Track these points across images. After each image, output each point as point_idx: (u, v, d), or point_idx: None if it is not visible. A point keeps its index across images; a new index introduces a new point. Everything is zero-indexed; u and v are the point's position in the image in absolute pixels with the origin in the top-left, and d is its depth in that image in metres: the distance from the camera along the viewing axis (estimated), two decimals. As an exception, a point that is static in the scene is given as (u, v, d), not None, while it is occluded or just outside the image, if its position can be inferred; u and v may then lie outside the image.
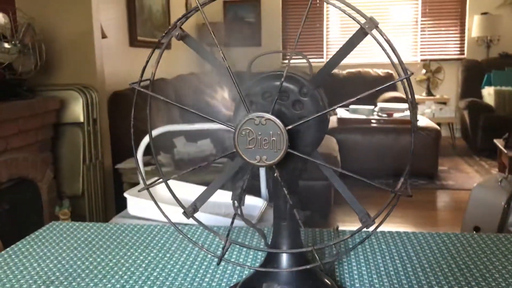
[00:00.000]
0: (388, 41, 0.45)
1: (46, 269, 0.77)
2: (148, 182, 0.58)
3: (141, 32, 4.08)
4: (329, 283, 0.64)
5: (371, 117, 4.30)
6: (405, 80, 0.47)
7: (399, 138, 3.96)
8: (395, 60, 0.46)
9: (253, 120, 0.49)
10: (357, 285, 0.69)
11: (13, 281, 0.73)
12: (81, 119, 2.51)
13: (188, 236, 0.88)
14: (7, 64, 2.19)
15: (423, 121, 4.22)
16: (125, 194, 1.31)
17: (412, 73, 0.45)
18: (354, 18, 0.46)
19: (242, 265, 0.69)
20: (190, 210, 0.57)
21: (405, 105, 4.53)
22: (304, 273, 0.61)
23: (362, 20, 0.46)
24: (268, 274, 0.61)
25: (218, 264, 0.62)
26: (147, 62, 0.53)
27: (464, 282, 0.69)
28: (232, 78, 0.50)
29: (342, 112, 4.57)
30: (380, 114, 4.38)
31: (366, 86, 5.67)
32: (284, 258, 0.61)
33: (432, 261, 0.76)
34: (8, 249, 0.85)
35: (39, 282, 0.73)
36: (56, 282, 0.72)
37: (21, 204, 2.17)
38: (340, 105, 0.52)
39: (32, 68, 2.31)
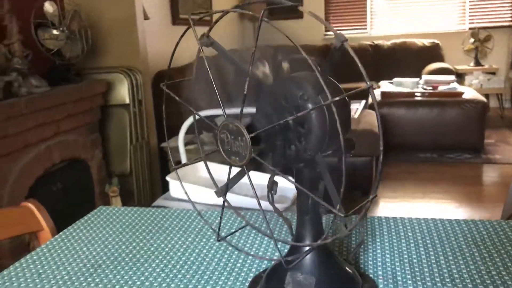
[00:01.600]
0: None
1: (94, 253, 0.85)
2: (191, 160, 0.63)
3: (183, 10, 4.13)
4: (351, 271, 0.68)
5: (415, 90, 4.21)
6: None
7: (444, 111, 3.87)
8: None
9: (227, 125, 0.54)
10: (380, 272, 0.73)
11: (66, 264, 0.81)
12: (127, 101, 2.61)
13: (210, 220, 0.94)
14: (56, 50, 2.30)
15: (469, 93, 4.10)
16: (167, 178, 1.38)
17: (371, 85, 0.47)
18: (333, 30, 0.49)
19: (264, 258, 0.74)
20: (220, 191, 0.61)
21: (451, 77, 4.41)
22: (326, 263, 0.66)
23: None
24: (292, 263, 0.65)
25: (219, 240, 0.65)
26: (175, 47, 0.58)
27: (484, 271, 0.71)
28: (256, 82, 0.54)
29: (385, 86, 4.49)
30: (424, 87, 4.29)
31: (411, 57, 5.52)
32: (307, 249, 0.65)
33: (456, 249, 0.79)
34: (61, 233, 0.94)
35: (88, 265, 0.80)
36: (103, 266, 0.80)
37: (73, 183, 2.30)
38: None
39: (79, 53, 2.41)
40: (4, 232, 0.88)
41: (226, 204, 0.62)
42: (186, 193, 0.64)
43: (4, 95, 1.91)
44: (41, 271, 0.79)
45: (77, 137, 2.32)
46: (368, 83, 0.47)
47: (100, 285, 0.74)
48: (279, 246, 0.82)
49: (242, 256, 0.80)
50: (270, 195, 0.67)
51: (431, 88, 4.22)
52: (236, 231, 0.78)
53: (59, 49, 2.32)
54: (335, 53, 0.49)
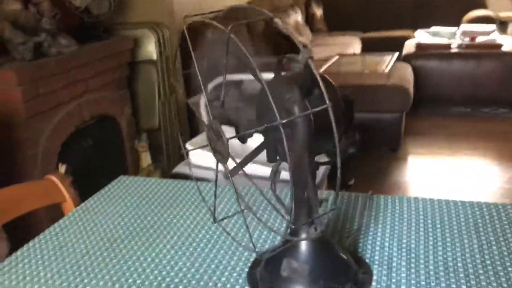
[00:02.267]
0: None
1: (111, 226, 0.91)
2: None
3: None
4: (346, 258, 0.71)
5: (452, 41, 4.06)
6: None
7: (481, 64, 3.73)
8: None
9: (211, 124, 0.56)
10: (376, 257, 0.76)
11: (85, 237, 0.87)
12: (154, 57, 2.64)
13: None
14: (84, 7, 2.32)
15: (509, 44, 3.91)
16: (187, 145, 1.42)
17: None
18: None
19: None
20: (228, 172, 0.64)
21: (491, 27, 4.21)
22: (321, 250, 0.69)
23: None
24: (289, 250, 0.69)
25: (215, 222, 0.68)
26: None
27: (479, 260, 0.73)
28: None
29: (421, 36, 4.34)
30: (462, 37, 4.12)
31: (452, 4, 5.27)
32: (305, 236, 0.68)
33: (455, 233, 0.80)
34: (82, 204, 1.00)
35: (104, 239, 0.86)
36: (118, 240, 0.86)
37: (104, 140, 2.38)
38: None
39: (106, 9, 2.42)
40: (29, 204, 0.95)
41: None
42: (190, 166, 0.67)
43: (34, 56, 1.96)
44: (62, 243, 0.86)
45: (106, 94, 2.38)
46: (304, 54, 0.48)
47: (114, 261, 0.79)
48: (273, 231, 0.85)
49: (251, 231, 0.84)
50: (273, 185, 0.70)
51: (468, 39, 4.05)
52: (233, 215, 0.81)
53: (87, 6, 2.34)
54: (303, 72, 0.50)
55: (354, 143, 0.67)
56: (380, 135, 3.05)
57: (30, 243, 0.86)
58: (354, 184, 2.75)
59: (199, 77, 0.59)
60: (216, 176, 0.64)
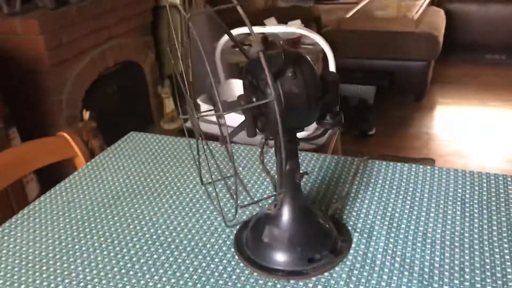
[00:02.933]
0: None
1: (117, 184, 0.96)
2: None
3: None
4: (327, 226, 0.75)
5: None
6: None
7: (520, 9, 3.54)
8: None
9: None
10: (359, 225, 0.79)
11: (91, 193, 0.94)
12: (177, 0, 2.63)
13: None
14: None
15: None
16: (198, 101, 1.45)
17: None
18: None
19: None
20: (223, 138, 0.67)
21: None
22: (301, 217, 0.73)
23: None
24: (271, 217, 0.73)
25: (202, 184, 0.74)
26: None
27: (458, 232, 0.76)
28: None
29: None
30: (503, -21, 3.89)
31: None
32: (286, 206, 0.72)
33: (441, 204, 0.82)
34: (92, 160, 1.06)
35: (109, 196, 0.92)
36: (122, 198, 0.92)
37: (128, 85, 2.44)
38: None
39: (128, -47, 2.40)
40: (43, 159, 1.01)
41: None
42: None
43: (57, 4, 1.99)
44: (70, 199, 0.92)
45: (129, 40, 2.41)
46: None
47: (115, 218, 0.86)
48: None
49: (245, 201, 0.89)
50: (261, 156, 0.73)
51: (510, -19, 3.82)
52: (219, 179, 0.85)
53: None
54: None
55: (338, 123, 0.68)
56: (405, 83, 3.00)
57: (42, 198, 0.93)
58: (374, 134, 2.76)
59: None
60: (200, 137, 0.68)
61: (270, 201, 0.78)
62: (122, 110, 2.37)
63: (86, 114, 2.13)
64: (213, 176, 0.69)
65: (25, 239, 0.82)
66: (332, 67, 1.63)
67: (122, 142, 1.14)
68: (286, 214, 0.72)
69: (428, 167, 0.94)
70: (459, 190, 0.86)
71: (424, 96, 3.09)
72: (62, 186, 0.97)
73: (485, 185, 0.87)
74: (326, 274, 0.70)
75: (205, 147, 0.87)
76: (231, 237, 0.79)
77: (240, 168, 0.99)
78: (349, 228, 0.79)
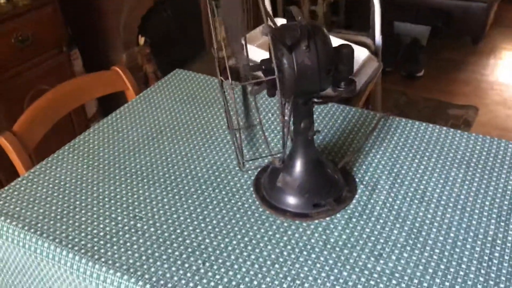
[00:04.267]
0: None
1: (160, 119, 1.09)
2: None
3: None
4: (335, 176, 0.85)
5: None
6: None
7: None
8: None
9: None
10: (366, 178, 0.89)
11: (138, 127, 1.07)
12: None
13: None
14: None
15: None
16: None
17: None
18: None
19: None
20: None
21: None
22: (312, 167, 0.82)
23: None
24: (285, 167, 0.83)
25: (229, 128, 0.84)
26: None
27: (455, 194, 0.84)
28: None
29: None
30: None
31: None
32: (299, 158, 0.82)
33: (447, 165, 0.90)
34: (140, 95, 1.18)
35: (150, 132, 1.05)
36: (162, 134, 1.04)
37: (182, 11, 2.52)
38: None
39: None
40: (98, 91, 1.14)
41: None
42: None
43: None
44: (120, 129, 1.06)
45: (185, -33, 2.45)
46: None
47: (156, 151, 0.99)
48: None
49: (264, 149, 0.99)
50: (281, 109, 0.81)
51: None
52: (244, 127, 0.95)
53: None
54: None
55: (351, 91, 0.76)
56: (463, 24, 2.90)
57: (91, 129, 1.07)
58: (422, 76, 2.74)
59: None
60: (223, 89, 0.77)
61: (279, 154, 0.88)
62: (176, 36, 2.47)
63: (142, 40, 2.24)
64: (238, 123, 0.79)
65: (81, 161, 0.97)
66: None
67: (168, 78, 1.25)
68: (298, 166, 0.82)
69: (444, 128, 1.00)
70: (467, 154, 0.93)
71: (482, 39, 2.99)
72: (113, 117, 1.10)
73: (493, 151, 0.93)
74: (327, 218, 0.81)
75: (236, 95, 0.97)
76: (252, 177, 0.90)
77: (265, 119, 1.08)
78: (357, 180, 0.88)
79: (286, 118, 0.68)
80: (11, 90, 1.58)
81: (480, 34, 2.94)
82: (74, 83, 1.10)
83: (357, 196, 0.85)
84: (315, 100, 0.78)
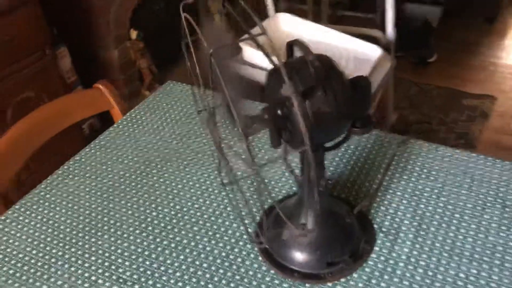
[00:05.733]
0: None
1: (145, 149, 0.96)
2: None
3: None
4: (349, 223, 0.73)
5: None
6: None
7: None
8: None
9: None
10: (387, 223, 0.76)
11: (124, 157, 0.95)
12: None
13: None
14: None
15: None
16: (241, 45, 1.38)
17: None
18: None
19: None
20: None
21: None
22: (325, 220, 0.70)
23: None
24: (292, 215, 0.71)
25: (222, 185, 0.72)
26: None
27: (502, 241, 0.71)
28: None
29: None
30: None
31: None
32: (308, 209, 0.70)
33: (478, 205, 0.77)
34: (128, 114, 1.05)
35: (137, 165, 0.93)
36: (148, 169, 0.92)
37: (175, 3, 2.36)
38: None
39: None
40: (78, 114, 1.02)
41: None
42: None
43: None
44: (109, 155, 0.94)
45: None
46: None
47: (136, 197, 0.87)
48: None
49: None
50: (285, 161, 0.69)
51: None
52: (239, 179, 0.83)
53: None
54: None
55: (367, 130, 0.63)
56: (475, 2, 2.73)
57: (82, 152, 0.95)
58: (435, 61, 2.59)
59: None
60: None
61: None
62: (169, 29, 2.32)
63: (134, 34, 2.10)
64: (232, 176, 0.67)
65: (53, 209, 0.85)
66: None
67: (158, 94, 1.12)
68: (307, 218, 0.70)
69: (473, 154, 0.87)
70: (501, 189, 0.80)
71: (497, 18, 2.82)
72: (93, 146, 0.98)
73: (532, 184, 0.80)
74: (342, 280, 0.69)
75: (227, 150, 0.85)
76: (253, 224, 0.78)
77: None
78: (375, 226, 0.76)
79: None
80: (-8, 101, 1.45)
81: (494, 14, 2.77)
82: (50, 108, 0.97)
83: (376, 248, 0.73)
84: (326, 146, 0.65)
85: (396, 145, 0.90)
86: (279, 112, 0.57)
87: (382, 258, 0.71)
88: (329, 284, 0.69)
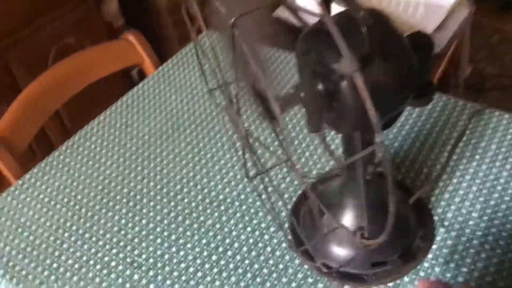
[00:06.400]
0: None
1: (176, 109, 0.86)
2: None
3: None
4: (404, 223, 0.60)
5: None
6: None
7: None
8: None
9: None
10: (449, 215, 0.63)
11: (151, 119, 0.85)
12: None
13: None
14: None
15: None
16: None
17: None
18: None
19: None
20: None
21: None
22: (372, 212, 0.58)
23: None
24: (333, 205, 0.59)
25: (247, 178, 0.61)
26: None
27: None
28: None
29: None
30: None
31: None
32: (351, 200, 0.57)
33: None
34: (159, 69, 0.95)
35: (164, 128, 0.83)
36: (176, 134, 0.82)
37: None
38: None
39: None
40: (105, 68, 0.92)
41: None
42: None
43: None
44: (128, 123, 0.85)
45: None
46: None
47: (161, 165, 0.77)
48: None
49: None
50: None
51: None
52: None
53: None
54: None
55: (427, 102, 0.49)
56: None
57: (113, 107, 0.86)
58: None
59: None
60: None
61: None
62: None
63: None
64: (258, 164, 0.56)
65: (94, 149, 0.78)
66: None
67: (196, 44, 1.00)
68: (350, 210, 0.58)
69: None
70: None
71: None
72: (132, 95, 0.88)
73: None
74: (390, 284, 0.57)
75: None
76: (289, 206, 0.67)
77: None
78: (435, 218, 0.63)
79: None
80: (32, 50, 1.39)
81: None
82: (73, 61, 0.88)
83: (434, 247, 0.60)
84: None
85: (468, 116, 0.74)
86: (320, 88, 0.44)
87: (441, 259, 0.58)
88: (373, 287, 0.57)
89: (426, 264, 0.58)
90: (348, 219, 0.58)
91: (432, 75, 1.30)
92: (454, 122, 0.74)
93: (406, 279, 0.57)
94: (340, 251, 0.59)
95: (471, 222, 0.61)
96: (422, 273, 0.57)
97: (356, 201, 0.56)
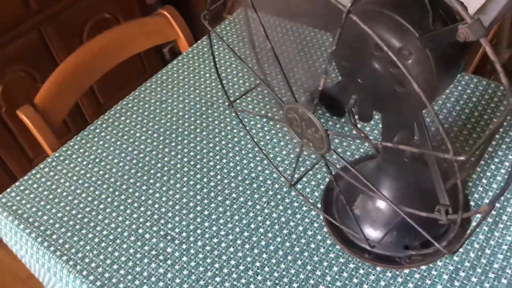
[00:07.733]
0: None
1: (210, 87, 0.86)
2: None
3: None
4: (439, 201, 0.59)
5: None
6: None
7: None
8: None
9: (295, 109, 0.42)
10: (487, 200, 0.62)
11: (196, 78, 0.86)
12: None
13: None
14: None
15: None
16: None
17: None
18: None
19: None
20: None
21: None
22: (407, 195, 0.58)
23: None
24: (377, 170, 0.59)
25: (290, 186, 0.61)
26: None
27: None
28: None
29: None
30: None
31: None
32: (387, 182, 0.57)
33: None
34: (194, 46, 0.95)
35: (198, 105, 0.83)
36: (210, 111, 0.82)
37: None
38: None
39: None
40: (140, 44, 0.93)
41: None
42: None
43: None
44: (170, 93, 0.85)
45: None
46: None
47: (204, 131, 0.78)
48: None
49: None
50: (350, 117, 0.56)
51: None
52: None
53: None
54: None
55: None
56: None
57: (131, 96, 0.87)
58: None
59: None
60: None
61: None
62: None
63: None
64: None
65: (129, 123, 0.79)
66: None
67: (229, 23, 1.00)
68: (385, 191, 0.57)
69: None
70: None
71: None
72: (167, 72, 0.89)
73: None
74: (423, 268, 0.57)
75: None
76: (321, 186, 0.67)
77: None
78: (472, 204, 0.62)
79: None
80: (67, 22, 1.40)
81: None
82: (108, 37, 0.88)
83: (469, 232, 0.59)
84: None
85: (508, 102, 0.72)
86: (381, 70, 0.43)
87: (476, 245, 0.58)
88: (406, 271, 0.57)
89: (461, 250, 0.57)
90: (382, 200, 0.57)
91: (469, 60, 1.26)
92: (494, 107, 0.73)
93: (439, 263, 0.57)
94: (372, 233, 0.59)
95: (509, 210, 0.60)
96: (456, 258, 0.57)
97: (393, 183, 0.56)
